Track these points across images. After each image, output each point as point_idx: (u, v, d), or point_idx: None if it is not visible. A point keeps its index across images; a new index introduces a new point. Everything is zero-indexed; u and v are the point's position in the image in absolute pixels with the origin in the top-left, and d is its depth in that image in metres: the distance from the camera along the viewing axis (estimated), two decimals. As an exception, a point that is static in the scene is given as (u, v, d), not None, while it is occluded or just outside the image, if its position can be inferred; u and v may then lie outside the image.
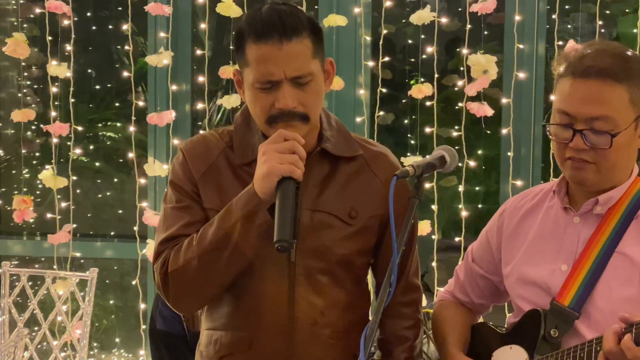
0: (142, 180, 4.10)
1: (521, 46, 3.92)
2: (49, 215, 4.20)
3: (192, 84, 4.27)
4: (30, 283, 3.67)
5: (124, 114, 4.75)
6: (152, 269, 2.01)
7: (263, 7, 1.92)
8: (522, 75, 3.89)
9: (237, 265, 1.92)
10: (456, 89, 4.17)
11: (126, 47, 4.10)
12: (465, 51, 3.82)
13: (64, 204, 4.15)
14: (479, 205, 4.60)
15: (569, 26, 4.51)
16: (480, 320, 2.27)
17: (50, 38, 4.05)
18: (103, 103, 5.02)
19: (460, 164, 3.70)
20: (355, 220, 2.01)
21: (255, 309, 1.99)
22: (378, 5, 3.95)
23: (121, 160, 4.92)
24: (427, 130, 3.94)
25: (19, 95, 4.53)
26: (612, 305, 1.86)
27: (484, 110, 3.75)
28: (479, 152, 4.46)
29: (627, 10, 4.31)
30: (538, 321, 1.93)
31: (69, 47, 4.07)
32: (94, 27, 4.79)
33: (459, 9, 4.16)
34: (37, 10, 4.20)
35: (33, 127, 4.72)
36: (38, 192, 4.67)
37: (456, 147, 1.98)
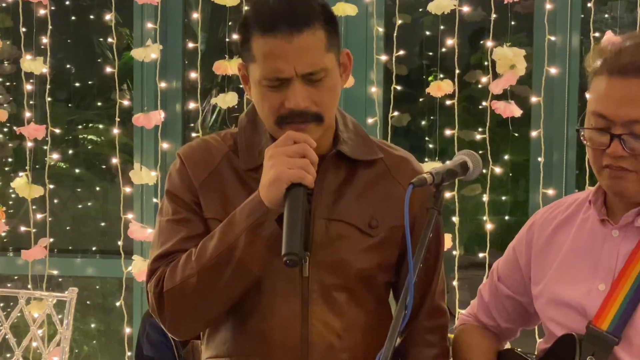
0: (128, 189, 4.11)
1: (553, 38, 3.92)
2: (22, 229, 4.21)
3: (183, 81, 4.28)
4: (1, 304, 3.68)
5: (107, 114, 4.77)
6: (139, 288, 2.03)
7: None
8: (553, 70, 3.90)
9: (241, 283, 1.93)
10: (480, 86, 4.18)
11: (109, 40, 4.12)
12: (490, 44, 3.83)
13: (39, 216, 4.16)
14: (506, 217, 4.61)
15: (607, 15, 4.52)
16: (507, 346, 2.28)
17: (24, 29, 4.07)
18: (83, 102, 5.03)
19: (484, 171, 3.71)
20: (376, 231, 2.03)
21: (264, 331, 1.99)
22: (392, -8, 3.97)
23: (104, 167, 4.94)
24: (448, 132, 3.95)
25: (-11, 94, 4.56)
26: (656, 329, 1.87)
27: (511, 110, 3.76)
28: (506, 157, 4.47)
29: (672, -2, 4.31)
30: (572, 347, 1.93)
31: (45, 40, 4.09)
32: (73, 18, 4.81)
33: (483, -4, 4.18)
34: (9, -1, 4.22)
35: (5, 130, 4.74)
36: (11, 203, 4.69)
37: (480, 152, 1.99)
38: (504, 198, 4.63)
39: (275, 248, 1.84)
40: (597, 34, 3.83)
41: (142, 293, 3.98)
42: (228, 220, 1.92)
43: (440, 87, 3.84)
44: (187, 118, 4.38)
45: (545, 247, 2.08)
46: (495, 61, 3.76)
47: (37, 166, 4.24)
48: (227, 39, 4.05)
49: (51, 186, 4.17)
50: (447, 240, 3.77)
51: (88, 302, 4.95)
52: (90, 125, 5.07)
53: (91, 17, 4.81)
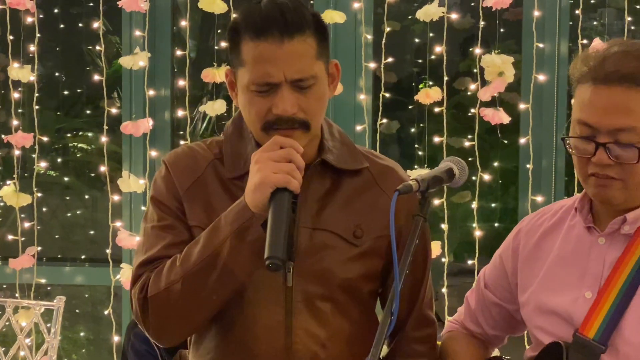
0: (116, 197, 4.10)
1: (541, 45, 3.93)
2: (10, 237, 4.20)
3: (172, 89, 4.27)
4: (-12, 313, 3.67)
5: (95, 122, 4.76)
6: (128, 296, 2.02)
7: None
8: (542, 77, 3.91)
9: (227, 289, 1.92)
10: (469, 93, 4.19)
11: (98, 48, 4.11)
12: (478, 51, 3.83)
13: (27, 224, 4.15)
14: (495, 224, 4.61)
15: (595, 23, 4.54)
16: (495, 353, 2.28)
17: (11, 37, 4.06)
18: (72, 110, 5.03)
19: (473, 178, 3.70)
20: (361, 240, 2.02)
21: (247, 340, 1.99)
22: (381, -1, 3.97)
23: (92, 175, 4.93)
24: (436, 139, 3.95)
25: (-24, 102, 4.55)
26: (642, 337, 1.87)
27: (500, 117, 3.76)
28: (495, 164, 4.47)
29: (660, 5, 4.33)
30: (559, 356, 1.92)
31: (33, 48, 4.08)
32: (61, 25, 4.81)
33: (472, 4, 4.19)
34: (-3, 6, 4.22)
35: (-7, 138, 4.73)
36: (-2, 211, 4.68)
37: (469, 159, 1.99)
38: (493, 205, 4.64)
39: (261, 253, 1.83)
40: (585, 41, 3.84)
41: (131, 301, 3.97)
42: (213, 225, 1.92)
43: (429, 95, 3.84)
44: (177, 126, 4.37)
45: (531, 255, 2.08)
46: (484, 68, 3.76)
47: (25, 174, 4.24)
48: (216, 47, 4.04)
49: (39, 194, 4.15)
50: (437, 247, 3.77)
51: (77, 311, 4.94)
52: (79, 133, 5.07)
53: (80, 25, 4.81)
